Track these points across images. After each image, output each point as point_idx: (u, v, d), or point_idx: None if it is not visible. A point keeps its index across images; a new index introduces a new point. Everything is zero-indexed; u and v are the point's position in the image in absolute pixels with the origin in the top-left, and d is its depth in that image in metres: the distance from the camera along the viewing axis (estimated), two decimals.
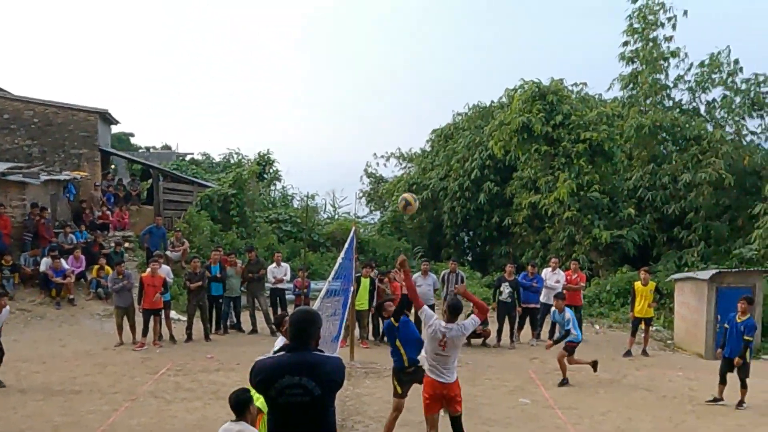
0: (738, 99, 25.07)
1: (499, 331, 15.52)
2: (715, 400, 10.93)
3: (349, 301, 12.80)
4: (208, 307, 15.76)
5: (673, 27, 24.76)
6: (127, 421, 9.59)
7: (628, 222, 22.45)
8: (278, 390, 4.30)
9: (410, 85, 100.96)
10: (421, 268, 15.97)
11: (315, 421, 4.41)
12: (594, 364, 12.23)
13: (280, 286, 16.46)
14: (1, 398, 10.53)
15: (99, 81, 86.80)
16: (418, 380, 8.03)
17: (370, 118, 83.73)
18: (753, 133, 25.63)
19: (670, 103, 25.93)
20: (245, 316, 16.43)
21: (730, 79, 25.06)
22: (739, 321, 10.73)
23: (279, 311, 16.27)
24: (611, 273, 21.10)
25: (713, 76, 25.22)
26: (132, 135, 46.54)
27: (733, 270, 16.35)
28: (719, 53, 24.98)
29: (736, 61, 24.91)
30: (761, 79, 24.86)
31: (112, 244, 19.23)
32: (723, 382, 10.91)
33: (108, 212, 22.06)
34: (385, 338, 8.62)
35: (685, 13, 24.62)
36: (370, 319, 15.33)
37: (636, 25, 25.21)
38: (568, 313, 12.04)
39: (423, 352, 7.95)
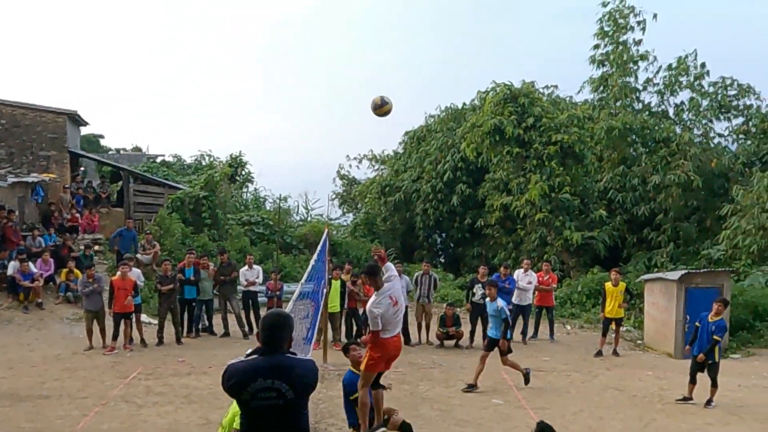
0: (705, 102, 25.51)
1: (472, 333, 15.58)
2: (685, 399, 11.06)
3: (322, 303, 12.76)
4: (181, 310, 15.64)
5: (643, 30, 25.15)
6: (97, 426, 9.45)
7: (598, 223, 22.69)
8: (251, 394, 4.28)
9: (382, 87, 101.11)
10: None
11: (288, 425, 4.39)
12: (527, 376, 11.60)
13: (252, 288, 16.37)
14: None
15: (68, 82, 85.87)
16: None
17: (343, 120, 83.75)
18: (720, 135, 26.13)
19: (640, 105, 26.30)
20: (217, 319, 16.32)
21: (697, 83, 25.48)
22: (711, 321, 10.86)
23: (251, 314, 16.24)
24: (582, 274, 21.29)
25: (681, 79, 25.65)
26: (102, 137, 46.16)
27: (702, 270, 16.57)
28: (686, 57, 25.41)
29: (703, 65, 25.39)
30: (728, 82, 25.34)
31: (82, 247, 18.97)
32: (693, 381, 11.04)
33: (77, 215, 21.79)
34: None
35: (655, 16, 25.07)
36: (342, 321, 15.31)
37: (607, 29, 25.55)
38: (500, 302, 11.63)
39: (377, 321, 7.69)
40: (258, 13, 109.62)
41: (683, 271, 15.86)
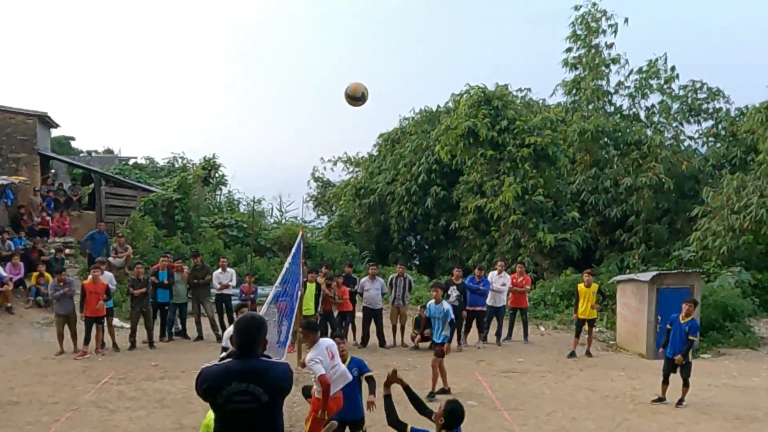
0: (675, 105, 25.82)
1: None
2: (659, 399, 11.19)
3: (296, 306, 12.71)
4: (154, 314, 15.49)
5: (615, 34, 25.39)
6: (69, 431, 9.35)
7: (571, 225, 22.86)
8: (225, 397, 4.25)
9: None
10: (369, 272, 16.09)
11: (263, 428, 4.38)
12: (446, 392, 10.98)
13: (225, 291, 16.27)
14: None
15: (38, 83, 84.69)
16: None
17: (317, 122, 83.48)
18: (691, 138, 26.45)
19: (612, 108, 26.56)
20: (191, 323, 16.20)
21: (667, 86, 25.79)
22: (683, 322, 10.99)
23: (225, 317, 16.12)
24: (556, 275, 21.45)
25: (651, 82, 25.93)
26: (73, 139, 45.56)
27: (673, 271, 16.76)
28: (656, 60, 25.71)
29: (673, 68, 25.70)
30: (698, 86, 25.67)
31: (52, 251, 18.72)
32: (666, 381, 11.17)
33: (48, 218, 21.52)
34: None
35: (626, 20, 25.28)
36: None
37: (579, 32, 25.74)
38: (446, 305, 11.54)
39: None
40: (228, 15, 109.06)
41: (654, 273, 16.04)
